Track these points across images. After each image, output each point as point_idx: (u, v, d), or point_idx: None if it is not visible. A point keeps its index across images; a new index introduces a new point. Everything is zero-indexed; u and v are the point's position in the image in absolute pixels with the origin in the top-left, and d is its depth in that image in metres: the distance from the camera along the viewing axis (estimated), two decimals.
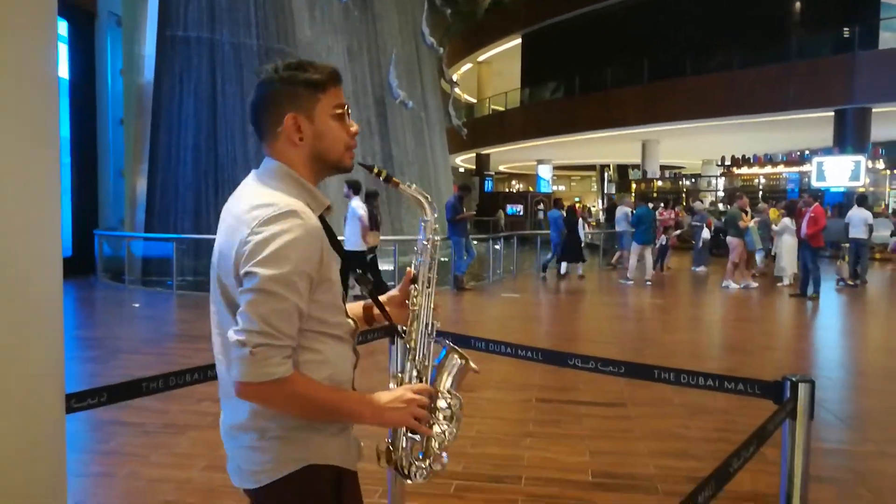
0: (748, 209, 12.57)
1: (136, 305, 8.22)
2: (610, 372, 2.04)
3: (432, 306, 1.44)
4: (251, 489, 1.32)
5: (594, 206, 34.84)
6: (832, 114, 18.44)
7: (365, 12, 16.39)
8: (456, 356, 1.45)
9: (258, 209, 1.24)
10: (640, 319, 9.15)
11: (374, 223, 8.89)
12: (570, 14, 25.55)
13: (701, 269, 14.00)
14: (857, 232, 11.68)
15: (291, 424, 1.27)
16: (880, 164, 18.25)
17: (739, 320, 9.03)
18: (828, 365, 6.57)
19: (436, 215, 1.52)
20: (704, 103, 20.25)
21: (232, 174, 11.85)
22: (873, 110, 17.94)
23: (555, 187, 39.21)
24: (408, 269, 1.50)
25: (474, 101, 35.04)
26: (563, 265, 13.07)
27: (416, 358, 1.42)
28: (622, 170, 35.85)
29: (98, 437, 3.97)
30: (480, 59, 33.26)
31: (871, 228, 11.93)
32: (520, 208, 28.92)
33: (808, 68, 18.55)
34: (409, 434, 1.37)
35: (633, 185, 24.35)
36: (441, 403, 1.40)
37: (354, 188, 8.46)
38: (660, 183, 23.24)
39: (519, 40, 29.32)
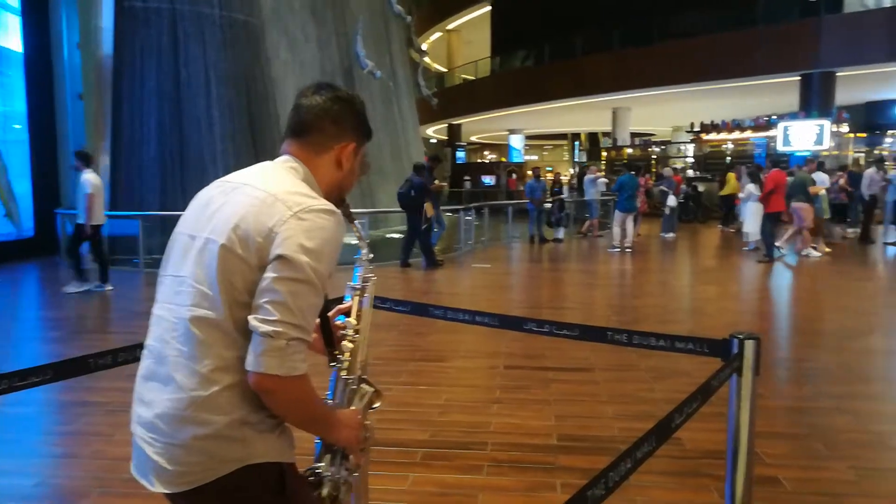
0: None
1: (110, 289, 8.08)
2: (565, 335, 2.06)
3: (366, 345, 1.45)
4: (175, 493, 1.22)
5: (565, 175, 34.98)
6: (798, 78, 18.62)
7: None
8: (368, 387, 1.46)
9: (301, 196, 1.25)
10: (613, 286, 9.26)
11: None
12: None
13: (670, 235, 14.17)
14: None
15: (237, 418, 1.21)
16: (844, 128, 18.51)
17: (706, 284, 9.19)
18: (789, 325, 6.73)
19: (371, 255, 1.51)
20: (674, 70, 20.31)
21: (198, 149, 11.63)
22: (838, 74, 18.15)
23: (527, 157, 39.20)
24: (340, 307, 1.49)
25: (445, 70, 34.73)
26: (561, 230, 13.91)
27: (347, 388, 1.42)
28: (593, 138, 35.94)
29: (62, 419, 3.93)
30: (450, 27, 32.90)
31: (828, 192, 12.15)
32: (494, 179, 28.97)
33: (774, 33, 18.65)
34: (342, 458, 1.37)
35: (604, 154, 24.43)
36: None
37: (85, 161, 7.85)
38: (630, 150, 23.35)
39: (488, 8, 29.04)
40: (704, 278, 9.82)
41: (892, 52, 16.99)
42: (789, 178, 10.82)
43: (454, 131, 32.80)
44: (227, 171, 1.40)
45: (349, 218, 1.42)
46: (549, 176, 17.34)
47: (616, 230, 12.15)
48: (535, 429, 3.64)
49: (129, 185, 11.50)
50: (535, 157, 44.71)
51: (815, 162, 12.57)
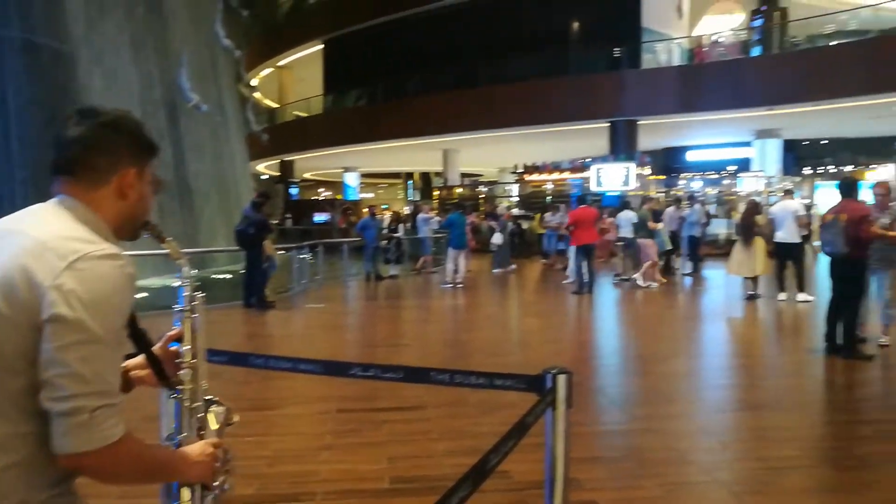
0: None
1: None
2: (390, 378, 2.05)
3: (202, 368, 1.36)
4: None
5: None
6: (607, 125, 20.50)
7: (152, 9, 15.23)
8: (218, 407, 1.39)
9: (77, 242, 1.09)
10: (446, 321, 9.46)
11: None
12: (370, 22, 25.80)
13: (500, 270, 14.79)
14: (625, 232, 13.07)
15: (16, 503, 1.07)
16: (647, 170, 20.56)
17: (531, 316, 9.68)
18: (604, 353, 7.25)
19: (194, 271, 1.41)
20: (498, 113, 21.49)
21: None
22: (639, 123, 20.23)
23: (363, 195, 39.37)
24: (169, 333, 1.39)
25: (276, 106, 34.11)
26: (397, 267, 14.12)
27: (194, 417, 1.32)
28: (426, 177, 36.93)
29: None
30: (281, 63, 32.46)
31: (635, 228, 13.39)
32: (327, 216, 28.70)
33: (585, 83, 20.45)
34: (203, 490, 1.27)
35: (436, 193, 25.17)
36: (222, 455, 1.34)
37: None
38: (460, 190, 24.26)
39: (321, 46, 29.06)
40: (530, 311, 10.34)
41: (683, 105, 19.27)
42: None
43: (287, 168, 32.19)
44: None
45: (159, 238, 1.32)
46: (389, 213, 17.55)
47: (449, 266, 12.49)
48: (367, 473, 3.57)
49: None
50: (370, 195, 45.02)
51: (654, 200, 13.87)
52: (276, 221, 27.47)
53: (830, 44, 20.68)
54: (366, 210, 16.67)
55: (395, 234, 14.09)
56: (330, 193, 43.67)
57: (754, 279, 10.21)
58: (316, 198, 41.53)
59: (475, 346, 7.39)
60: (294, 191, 33.16)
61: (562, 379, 1.87)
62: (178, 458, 1.23)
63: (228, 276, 13.63)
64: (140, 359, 1.39)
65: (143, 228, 1.30)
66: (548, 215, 15.11)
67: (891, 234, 6.29)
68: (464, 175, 30.16)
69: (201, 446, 1.28)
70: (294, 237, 21.23)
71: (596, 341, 7.94)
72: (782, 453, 3.93)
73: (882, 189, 6.64)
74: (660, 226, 12.43)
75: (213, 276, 13.89)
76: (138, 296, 1.25)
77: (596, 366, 6.49)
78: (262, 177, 37.03)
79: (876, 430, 4.39)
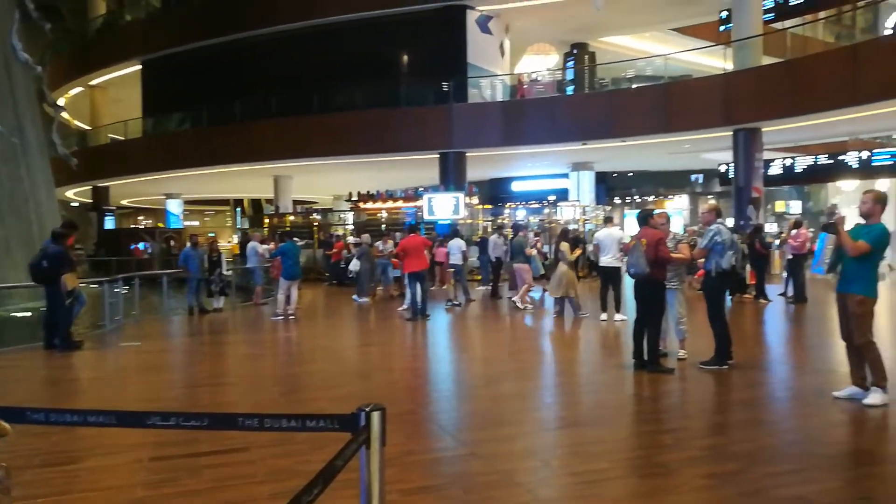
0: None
1: None
2: (193, 427, 1.90)
3: None
4: None
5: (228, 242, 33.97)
6: (437, 156, 21.13)
7: None
8: None
9: None
10: (277, 355, 9.11)
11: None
12: (194, 45, 24.69)
13: (362, 300, 14.40)
14: (455, 259, 13.50)
15: None
16: (475, 200, 21.40)
17: (365, 346, 9.62)
18: (439, 379, 7.35)
19: None
20: (331, 141, 21.41)
21: None
22: (467, 154, 21.08)
23: (187, 222, 37.25)
24: None
25: (88, 128, 31.38)
26: (222, 299, 13.41)
27: None
28: (256, 204, 35.76)
29: None
30: (94, 83, 30.03)
31: (465, 255, 13.89)
32: (148, 245, 26.78)
33: (416, 115, 20.99)
34: None
35: (267, 220, 24.41)
36: None
37: None
38: (292, 217, 23.73)
39: (139, 66, 27.29)
40: (365, 341, 10.27)
41: (506, 138, 20.40)
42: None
43: (101, 194, 29.67)
44: None
45: None
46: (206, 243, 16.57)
47: (280, 297, 12.08)
48: None
49: None
50: (196, 223, 42.71)
51: (527, 229, 14.32)
52: (85, 252, 25.18)
53: (632, 87, 22.99)
54: (210, 237, 15.78)
55: (219, 268, 13.34)
56: (151, 221, 40.86)
57: (563, 299, 11.01)
58: (135, 226, 38.65)
59: (307, 380, 7.19)
60: (109, 219, 30.59)
61: (376, 416, 1.84)
62: None
63: (28, 314, 12.22)
64: None
65: None
66: (379, 243, 15.14)
67: (677, 255, 7.08)
68: (297, 202, 29.56)
69: None
70: (109, 269, 19.52)
71: (429, 368, 8.04)
72: (597, 466, 4.19)
73: (662, 218, 7.49)
74: (534, 251, 13.00)
75: (12, 314, 12.40)
76: None
77: (428, 392, 6.56)
78: (72, 204, 33.86)
79: (675, 437, 4.83)
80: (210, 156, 23.29)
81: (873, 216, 5.57)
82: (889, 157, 19.72)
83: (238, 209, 37.75)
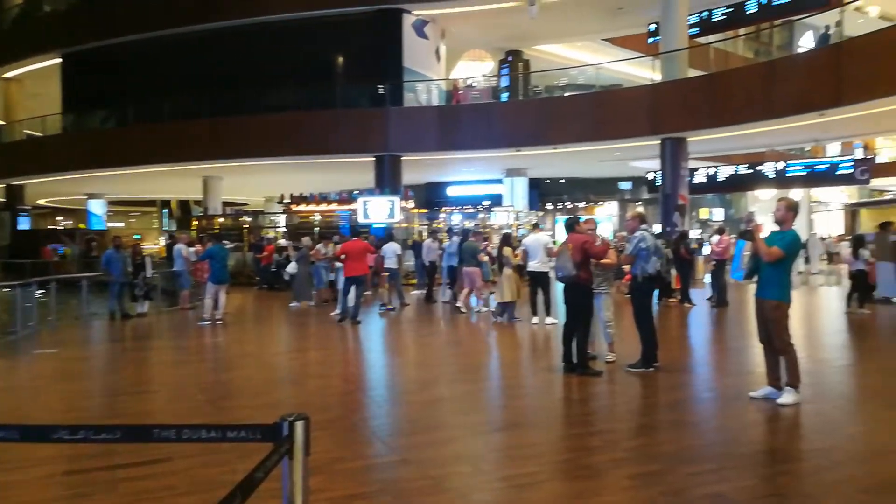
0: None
1: None
2: (105, 440, 1.81)
3: None
4: None
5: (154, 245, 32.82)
6: (373, 159, 20.99)
7: None
8: None
9: None
10: (203, 361, 8.83)
11: None
12: (120, 39, 23.76)
13: (296, 305, 14.09)
14: (390, 263, 13.43)
15: None
16: (411, 204, 21.38)
17: (297, 351, 9.45)
18: (372, 385, 7.29)
19: None
20: (264, 142, 20.95)
21: None
22: (403, 158, 21.03)
23: (111, 224, 35.75)
24: None
25: (2, 122, 29.71)
26: (146, 304, 12.94)
27: None
28: (185, 206, 34.69)
29: None
30: (8, 76, 28.48)
31: (400, 259, 13.84)
32: (63, 248, 25.58)
33: (352, 117, 20.79)
34: None
35: (195, 222, 23.67)
36: None
37: None
38: (221, 219, 23.09)
39: (59, 60, 26.05)
40: (297, 346, 10.08)
41: (442, 143, 20.45)
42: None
43: (15, 193, 28.12)
44: None
45: None
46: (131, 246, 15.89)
47: (208, 302, 11.73)
48: None
49: None
50: (120, 225, 41.08)
51: (478, 234, 14.22)
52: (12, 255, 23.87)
53: (565, 95, 23.47)
54: (135, 239, 15.15)
55: (142, 271, 12.83)
56: (71, 222, 39.04)
57: (508, 304, 11.12)
58: (54, 227, 36.83)
59: (236, 387, 6.99)
60: (24, 219, 29.06)
61: (299, 426, 1.79)
62: None
63: None
64: None
65: None
66: (320, 246, 14.88)
67: (605, 260, 7.26)
68: (227, 204, 28.82)
69: None
70: (23, 272, 18.51)
71: (361, 373, 7.95)
72: (526, 470, 4.23)
73: (590, 224, 7.72)
74: (485, 258, 12.98)
75: None
76: None
77: (360, 398, 6.49)
78: None
79: (603, 439, 4.93)
80: (136, 155, 22.38)
81: (786, 223, 5.86)
82: (802, 168, 20.81)
83: (165, 210, 36.52)
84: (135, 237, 21.36)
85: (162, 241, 29.38)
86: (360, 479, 4.16)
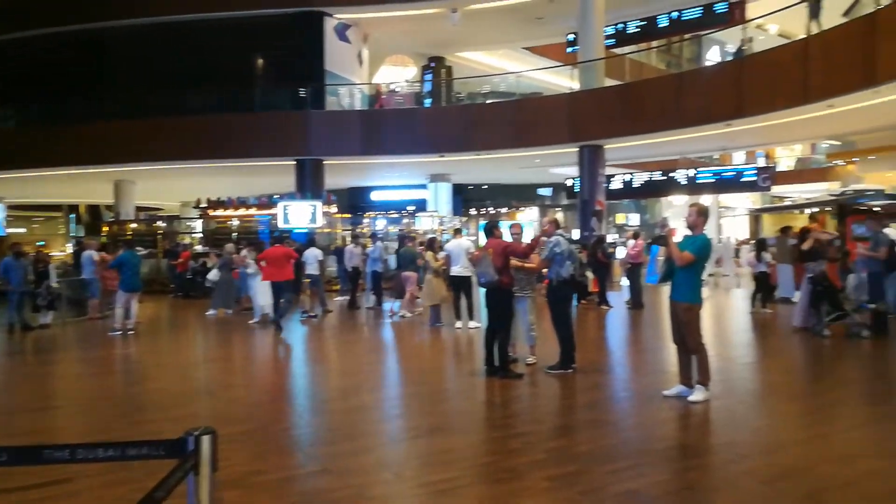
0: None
1: None
2: None
3: None
4: None
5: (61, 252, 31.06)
6: (294, 163, 20.61)
7: None
8: None
9: None
10: (113, 373, 8.40)
11: None
12: (22, 34, 22.44)
13: (213, 313, 13.55)
14: (311, 269, 13.22)
15: None
16: (334, 209, 21.11)
17: (215, 361, 9.14)
18: (293, 394, 7.12)
19: None
20: (180, 145, 20.20)
21: None
22: (325, 162, 20.75)
23: (12, 229, 33.60)
24: None
25: None
26: (49, 314, 12.24)
27: None
28: (94, 211, 33.08)
29: None
30: None
31: (322, 265, 13.64)
32: None
33: (272, 121, 20.34)
34: None
35: (106, 228, 22.56)
36: None
37: None
38: (134, 225, 22.11)
39: None
40: (214, 355, 9.75)
41: (365, 147, 20.29)
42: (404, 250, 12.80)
43: None
44: None
45: None
46: (33, 253, 14.98)
47: (119, 311, 11.19)
48: None
49: None
50: (22, 230, 38.69)
51: (415, 240, 14.05)
52: None
53: (487, 102, 23.78)
54: (38, 246, 14.22)
55: (46, 281, 12.16)
56: None
57: (434, 308, 11.17)
58: None
59: (147, 400, 6.68)
60: None
61: (205, 440, 1.72)
62: None
63: None
64: None
65: None
66: (245, 251, 14.41)
67: (529, 265, 7.40)
68: (140, 209, 27.63)
69: None
70: None
71: (281, 382, 7.77)
72: (448, 475, 4.23)
73: (516, 229, 7.86)
74: (423, 262, 12.85)
75: None
76: None
77: (280, 408, 6.34)
78: None
79: (523, 442, 4.99)
80: (40, 157, 21.09)
81: (697, 227, 6.12)
82: (711, 175, 21.83)
83: (73, 216, 34.68)
84: (38, 244, 20.17)
85: (69, 248, 27.85)
86: (279, 491, 4.05)
